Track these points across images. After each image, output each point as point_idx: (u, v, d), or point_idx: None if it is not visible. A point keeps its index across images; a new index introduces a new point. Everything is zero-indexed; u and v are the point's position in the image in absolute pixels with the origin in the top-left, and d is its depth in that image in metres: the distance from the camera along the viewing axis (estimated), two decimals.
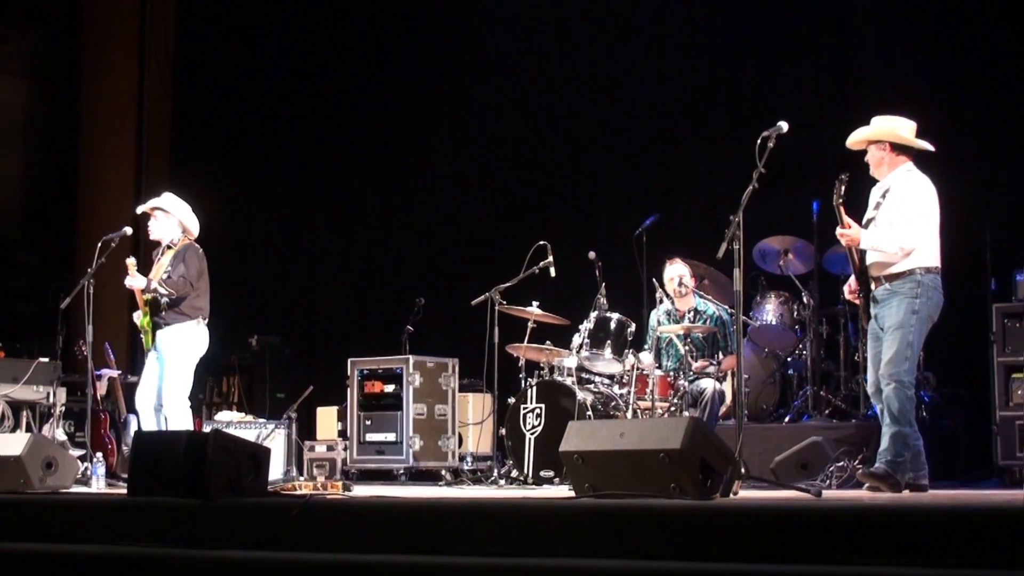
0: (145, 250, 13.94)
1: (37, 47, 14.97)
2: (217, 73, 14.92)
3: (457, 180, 13.54)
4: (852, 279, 7.51)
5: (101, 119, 14.66)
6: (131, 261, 8.91)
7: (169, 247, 9.17)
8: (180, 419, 8.92)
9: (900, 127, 7.39)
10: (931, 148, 7.42)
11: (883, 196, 7.32)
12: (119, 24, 14.83)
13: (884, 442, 7.11)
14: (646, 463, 5.65)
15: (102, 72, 14.73)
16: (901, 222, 7.19)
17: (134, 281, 8.89)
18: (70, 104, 14.78)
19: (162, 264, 9.09)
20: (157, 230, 9.25)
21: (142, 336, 9.19)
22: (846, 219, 7.21)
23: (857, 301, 7.49)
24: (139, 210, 9.39)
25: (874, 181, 7.50)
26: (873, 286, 7.31)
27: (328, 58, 14.26)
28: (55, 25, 14.98)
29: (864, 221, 7.31)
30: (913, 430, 7.13)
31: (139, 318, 9.09)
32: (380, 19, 14.01)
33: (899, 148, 7.36)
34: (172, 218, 9.21)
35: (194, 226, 9.27)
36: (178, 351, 9.01)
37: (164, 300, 8.94)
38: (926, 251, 7.26)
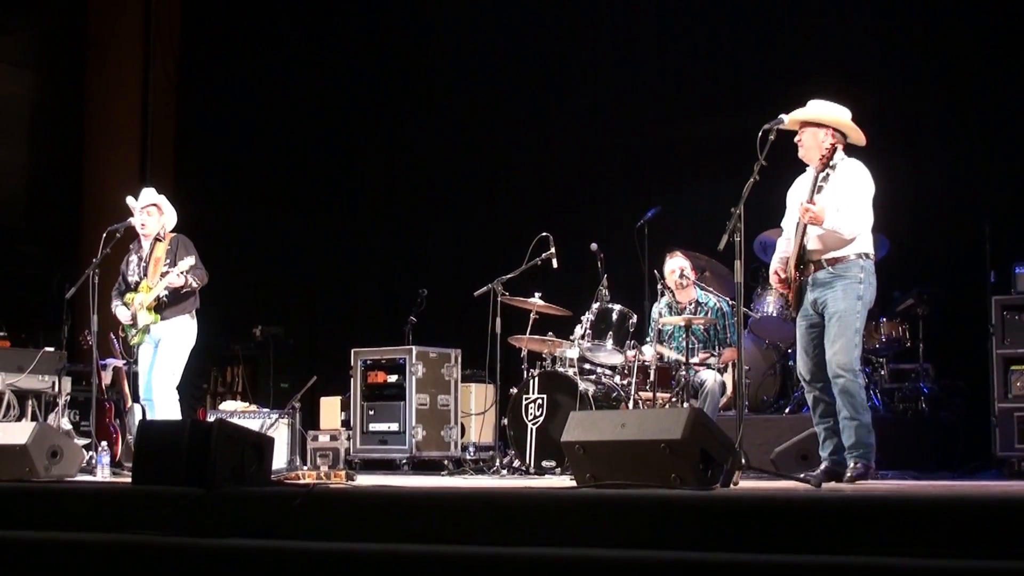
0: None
1: (43, 39, 15.00)
2: (221, 65, 14.96)
3: (459, 172, 13.58)
4: (777, 266, 7.37)
5: (106, 110, 14.69)
6: (188, 262, 9.07)
7: (158, 239, 9.38)
8: (170, 409, 9.20)
9: (844, 114, 7.25)
10: (864, 142, 7.28)
11: (824, 180, 7.12)
12: (124, 16, 14.85)
13: (849, 436, 7.02)
14: (647, 453, 5.68)
15: (107, 64, 14.75)
16: (849, 207, 7.05)
17: (179, 280, 9.08)
18: (75, 95, 14.80)
19: (159, 257, 9.28)
20: (152, 225, 9.44)
21: (133, 334, 9.31)
22: (815, 196, 7.10)
23: (784, 290, 7.35)
24: (139, 207, 9.46)
25: (800, 165, 7.37)
26: (812, 269, 7.17)
27: (332, 50, 14.28)
28: (60, 17, 15.01)
29: (810, 197, 7.10)
30: (869, 413, 7.09)
31: (146, 317, 9.19)
32: (381, 13, 14.02)
33: (838, 136, 7.19)
34: (164, 216, 9.45)
35: (175, 220, 9.54)
36: (177, 344, 9.30)
37: (165, 295, 9.16)
38: (864, 238, 7.14)
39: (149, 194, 9.51)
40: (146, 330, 9.25)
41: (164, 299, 9.18)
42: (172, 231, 9.45)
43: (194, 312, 9.36)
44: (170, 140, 15.14)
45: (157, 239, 9.38)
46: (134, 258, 9.49)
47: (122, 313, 9.38)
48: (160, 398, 9.20)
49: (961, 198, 10.35)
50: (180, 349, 9.30)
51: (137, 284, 9.33)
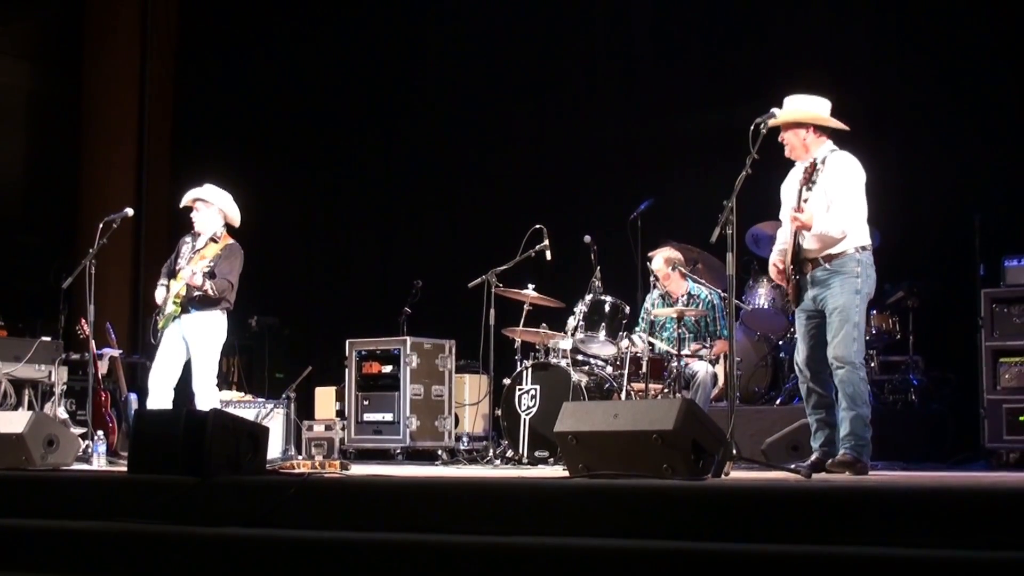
0: (147, 233, 14.08)
1: (40, 29, 15.01)
2: (218, 56, 14.97)
3: (454, 164, 13.60)
4: (776, 259, 7.38)
5: (103, 101, 14.70)
6: (206, 266, 8.91)
7: (213, 240, 9.11)
8: (212, 402, 9.01)
9: (820, 108, 7.26)
10: (847, 128, 7.27)
11: (813, 178, 7.13)
12: (122, 7, 14.86)
13: (844, 427, 7.02)
14: (639, 444, 5.71)
15: (105, 55, 14.76)
16: (838, 204, 7.07)
17: (196, 280, 8.82)
18: (73, 86, 14.81)
19: (205, 255, 9.00)
20: (201, 221, 9.17)
21: (158, 317, 9.19)
22: (801, 203, 7.14)
23: (783, 282, 7.36)
24: (182, 204, 9.29)
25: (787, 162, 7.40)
26: (810, 267, 7.18)
27: (329, 43, 14.29)
28: (58, 7, 15.02)
29: (797, 202, 7.15)
30: (869, 408, 7.09)
31: (171, 306, 9.07)
32: (376, 6, 14.03)
33: (821, 129, 7.23)
34: (213, 207, 9.16)
35: (236, 215, 9.24)
36: (209, 339, 9.05)
37: (198, 295, 8.96)
38: (859, 231, 7.15)
39: (199, 189, 9.24)
40: (170, 318, 9.05)
41: (195, 295, 8.94)
42: (232, 237, 9.20)
43: (224, 310, 9.11)
44: (167, 130, 15.15)
45: (213, 239, 9.12)
46: (189, 242, 9.25)
47: (159, 294, 9.14)
48: (204, 397, 9.01)
49: (951, 191, 10.37)
50: (212, 344, 9.06)
51: (178, 272, 9.18)
